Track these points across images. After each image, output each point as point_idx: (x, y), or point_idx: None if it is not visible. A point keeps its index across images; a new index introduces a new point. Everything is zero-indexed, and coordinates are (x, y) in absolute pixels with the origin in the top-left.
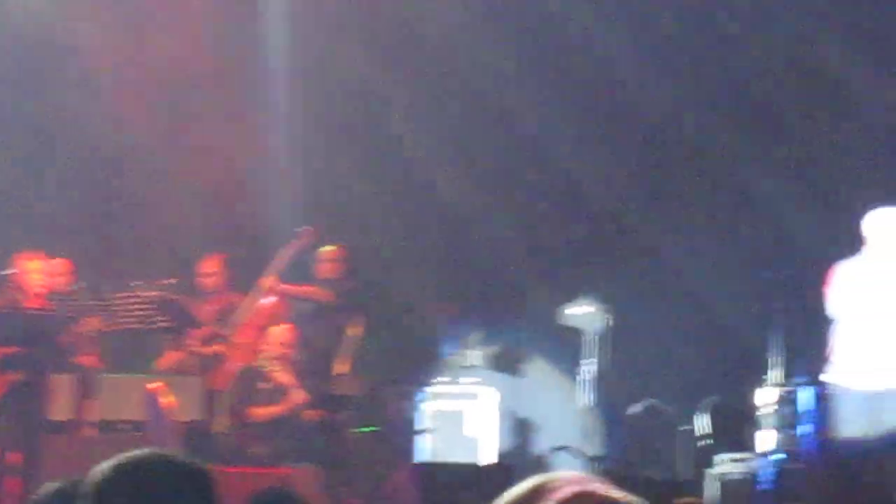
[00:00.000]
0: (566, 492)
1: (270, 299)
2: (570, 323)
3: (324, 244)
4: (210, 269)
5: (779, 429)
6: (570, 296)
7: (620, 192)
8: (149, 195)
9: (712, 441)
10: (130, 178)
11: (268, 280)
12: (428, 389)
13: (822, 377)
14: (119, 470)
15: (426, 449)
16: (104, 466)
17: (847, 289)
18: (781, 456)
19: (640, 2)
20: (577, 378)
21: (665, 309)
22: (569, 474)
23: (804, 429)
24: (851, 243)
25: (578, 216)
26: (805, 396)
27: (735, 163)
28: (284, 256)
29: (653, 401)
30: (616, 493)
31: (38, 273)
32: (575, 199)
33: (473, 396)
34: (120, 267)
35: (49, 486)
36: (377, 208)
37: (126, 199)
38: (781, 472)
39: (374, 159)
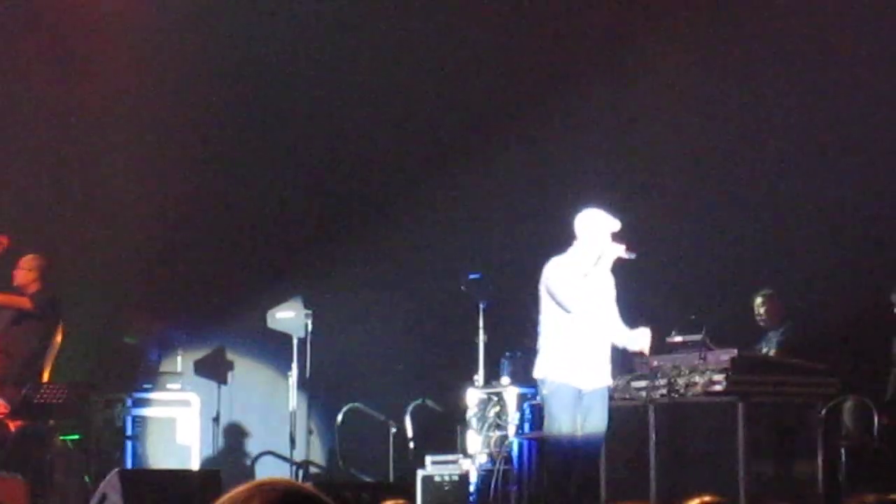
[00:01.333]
0: (278, 489)
1: None
2: (277, 327)
3: (20, 252)
4: None
5: (487, 429)
6: (277, 299)
7: (320, 198)
8: None
9: (415, 443)
10: None
11: None
12: (137, 396)
13: (533, 376)
14: None
15: (139, 456)
16: None
17: (564, 279)
18: (486, 457)
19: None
20: (287, 381)
21: (373, 311)
22: (275, 480)
23: (512, 429)
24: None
25: (283, 219)
26: (512, 396)
27: (433, 169)
28: None
29: (358, 404)
30: (321, 496)
31: None
32: (279, 203)
33: (187, 404)
34: None
35: None
36: (77, 215)
37: None
38: (489, 472)
39: (64, 164)
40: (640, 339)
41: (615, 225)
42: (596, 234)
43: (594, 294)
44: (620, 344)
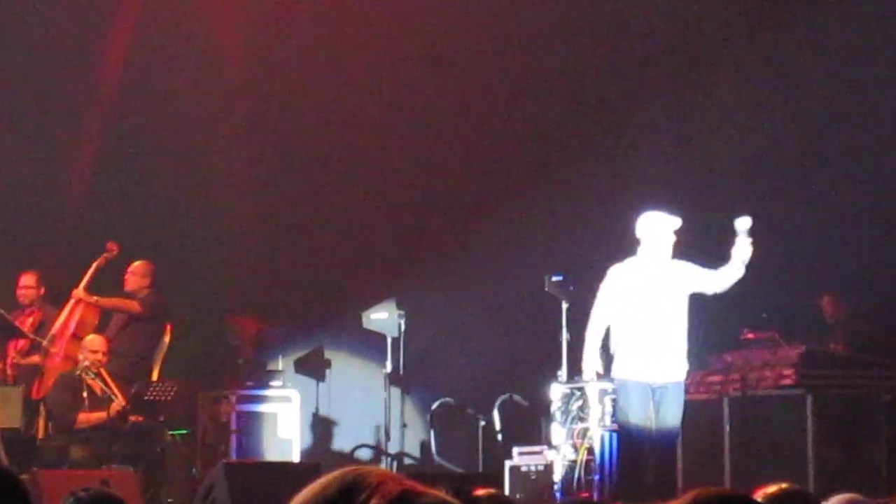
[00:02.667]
0: (390, 489)
1: (80, 310)
2: (372, 327)
3: (131, 258)
4: (28, 282)
5: (571, 421)
6: (372, 301)
7: (412, 207)
8: None
9: (502, 435)
10: None
11: (79, 291)
12: (241, 393)
13: (611, 373)
14: None
15: (243, 449)
16: None
17: (615, 287)
18: (570, 448)
19: None
20: (381, 379)
21: (463, 311)
22: (377, 470)
23: (593, 421)
24: (623, 248)
25: (377, 226)
26: (594, 391)
27: (519, 176)
28: (92, 270)
29: (448, 399)
30: (429, 491)
31: None
32: (374, 211)
33: (288, 400)
34: None
35: None
36: (184, 223)
37: None
38: (573, 463)
39: (170, 174)
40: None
41: (676, 222)
42: (657, 233)
43: (663, 292)
44: (738, 259)
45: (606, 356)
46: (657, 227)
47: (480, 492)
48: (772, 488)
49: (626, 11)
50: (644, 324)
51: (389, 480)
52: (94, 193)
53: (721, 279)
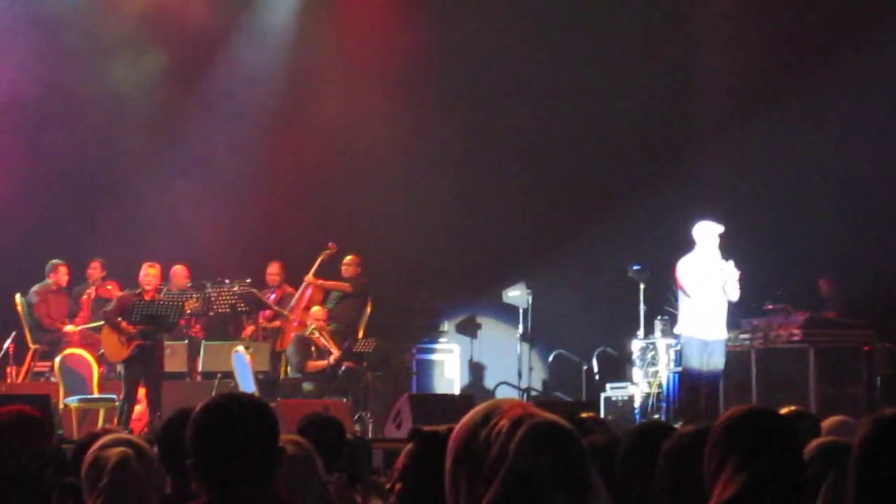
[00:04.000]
0: (516, 412)
1: (310, 290)
2: (509, 301)
3: (346, 253)
4: (274, 270)
5: (646, 366)
6: (509, 283)
7: (540, 214)
8: (228, 221)
9: (599, 376)
10: (227, 212)
11: (309, 277)
12: (419, 346)
13: (675, 331)
14: (214, 403)
15: (421, 386)
16: (204, 401)
17: (687, 273)
18: (646, 385)
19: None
20: (516, 337)
21: (573, 289)
22: (510, 400)
23: (662, 366)
24: (683, 244)
25: (514, 226)
26: (662, 345)
27: (610, 191)
28: (318, 261)
29: (562, 350)
30: (545, 413)
31: (153, 275)
32: (514, 218)
33: (451, 351)
34: (216, 269)
35: (169, 414)
36: (380, 222)
37: (214, 226)
38: (647, 395)
39: (379, 191)
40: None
41: (720, 228)
42: (707, 235)
43: (712, 276)
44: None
45: (672, 319)
46: (707, 231)
47: (584, 414)
48: (785, 410)
49: (691, 57)
50: (701, 298)
51: (516, 406)
52: (319, 205)
53: (729, 293)
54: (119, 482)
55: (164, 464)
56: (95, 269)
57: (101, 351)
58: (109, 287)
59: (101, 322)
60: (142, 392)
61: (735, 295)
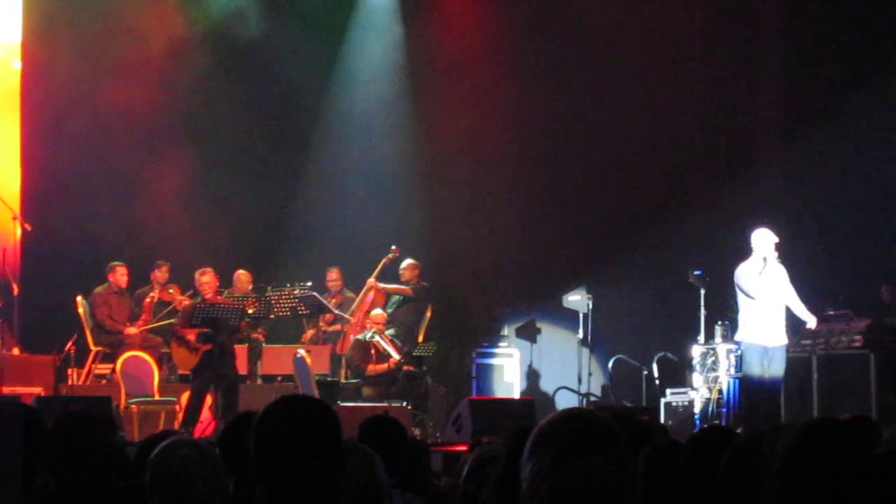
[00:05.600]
0: (570, 411)
1: (372, 294)
2: (570, 306)
3: (405, 258)
4: (333, 276)
5: (706, 371)
6: (569, 287)
7: (602, 223)
8: (289, 226)
9: (659, 381)
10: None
11: (372, 280)
12: (479, 350)
13: (735, 337)
14: (276, 406)
15: (481, 390)
16: (267, 404)
17: (747, 278)
18: (706, 390)
19: None
20: (575, 341)
21: (633, 294)
22: (577, 408)
23: (722, 372)
24: (743, 251)
25: (575, 234)
26: (723, 350)
27: (672, 200)
28: (380, 265)
29: (622, 355)
30: (593, 411)
31: (206, 282)
32: (575, 226)
33: (511, 356)
34: (277, 275)
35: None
36: (442, 233)
37: (277, 235)
38: (707, 400)
39: (441, 196)
40: (811, 321)
41: (775, 238)
42: (764, 243)
43: (771, 282)
44: (799, 315)
45: (733, 325)
46: (764, 239)
47: (645, 418)
48: (847, 417)
49: (753, 69)
50: (760, 305)
51: (572, 410)
52: (380, 212)
53: (791, 303)
54: (182, 484)
55: (227, 466)
56: (162, 272)
57: (164, 350)
58: (171, 290)
59: (161, 323)
60: (208, 399)
61: (805, 314)
